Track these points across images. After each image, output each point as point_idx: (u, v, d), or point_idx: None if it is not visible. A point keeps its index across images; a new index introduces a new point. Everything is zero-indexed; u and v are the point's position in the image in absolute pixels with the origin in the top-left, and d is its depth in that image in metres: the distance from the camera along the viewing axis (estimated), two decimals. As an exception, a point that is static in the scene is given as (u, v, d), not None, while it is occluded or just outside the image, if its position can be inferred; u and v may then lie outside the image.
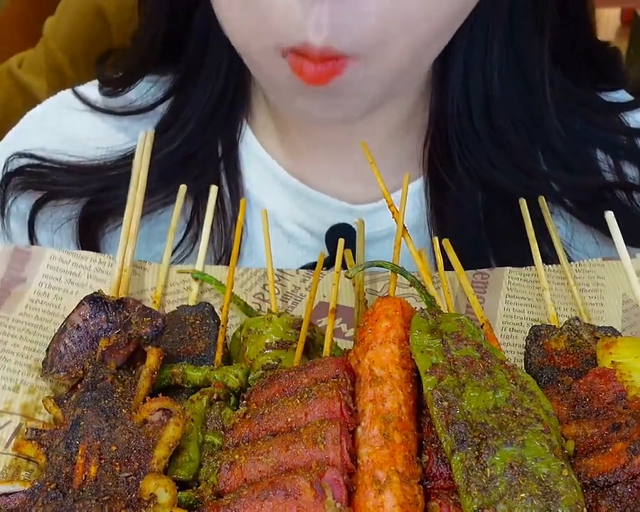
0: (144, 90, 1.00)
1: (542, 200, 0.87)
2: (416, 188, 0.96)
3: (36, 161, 0.96)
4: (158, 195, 0.93)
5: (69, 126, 1.01)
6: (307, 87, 0.74)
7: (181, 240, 0.94)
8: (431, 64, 0.86)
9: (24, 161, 0.96)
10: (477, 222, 0.95)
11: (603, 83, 1.01)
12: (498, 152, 0.93)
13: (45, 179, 0.96)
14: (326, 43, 0.69)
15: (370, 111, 0.83)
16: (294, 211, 0.98)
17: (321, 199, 0.96)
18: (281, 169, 0.97)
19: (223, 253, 0.94)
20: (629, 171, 0.99)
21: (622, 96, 1.02)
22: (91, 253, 0.84)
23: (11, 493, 0.58)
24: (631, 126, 1.00)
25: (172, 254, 0.88)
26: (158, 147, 0.91)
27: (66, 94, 1.04)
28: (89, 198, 0.95)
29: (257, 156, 0.98)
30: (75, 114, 1.01)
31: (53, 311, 0.78)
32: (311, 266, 0.93)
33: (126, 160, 0.95)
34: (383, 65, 0.75)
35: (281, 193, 0.97)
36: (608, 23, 2.86)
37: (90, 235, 0.96)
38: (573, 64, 0.97)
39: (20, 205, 0.97)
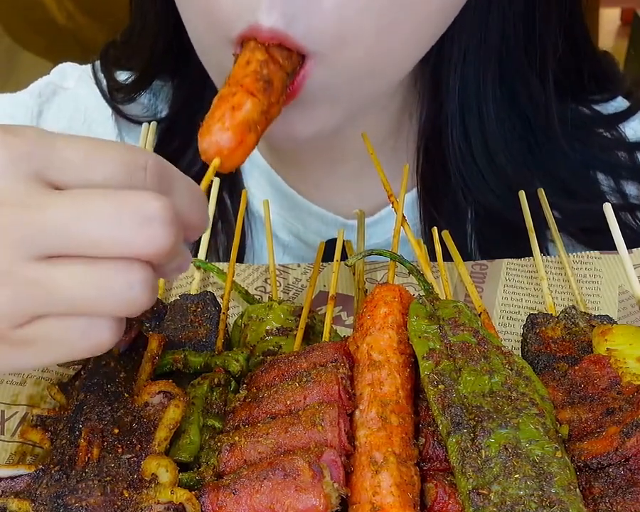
0: (148, 99, 1.00)
1: (541, 192, 0.88)
2: (408, 201, 0.96)
3: None
4: None
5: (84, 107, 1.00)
6: None
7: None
8: (400, 79, 0.82)
9: None
10: (470, 240, 0.95)
11: (600, 94, 1.00)
12: (500, 184, 0.93)
13: None
14: (276, 26, 0.65)
15: (340, 126, 0.79)
16: (290, 222, 0.98)
17: (317, 212, 0.97)
18: (279, 179, 0.97)
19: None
20: (632, 189, 0.98)
21: (619, 104, 1.02)
22: None
23: (16, 477, 0.59)
24: (629, 136, 1.00)
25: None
26: None
27: (87, 73, 1.01)
28: None
29: (256, 164, 0.98)
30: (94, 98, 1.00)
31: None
32: None
33: None
34: (343, 72, 0.71)
35: (280, 202, 0.98)
36: (608, 23, 2.87)
37: None
38: (578, 82, 0.97)
39: None
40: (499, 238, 0.94)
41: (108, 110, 0.99)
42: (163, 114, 0.99)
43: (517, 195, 0.88)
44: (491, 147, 0.92)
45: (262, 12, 0.66)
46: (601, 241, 0.87)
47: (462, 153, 0.92)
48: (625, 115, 1.00)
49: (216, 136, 0.58)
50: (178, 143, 0.96)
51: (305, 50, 0.68)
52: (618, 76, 1.03)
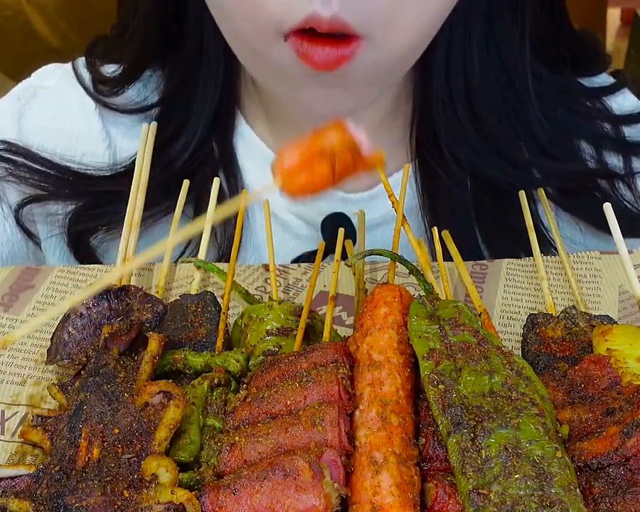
0: (137, 89, 0.99)
1: (541, 192, 0.88)
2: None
3: (21, 159, 0.95)
4: (159, 207, 0.93)
5: (66, 110, 1.00)
6: (315, 75, 0.73)
7: (186, 245, 0.94)
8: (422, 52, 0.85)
9: (7, 154, 0.95)
10: (467, 209, 0.96)
11: (584, 69, 1.02)
12: (481, 142, 0.94)
13: (29, 181, 0.95)
14: (336, 15, 0.68)
15: (374, 101, 0.83)
16: (289, 200, 0.98)
17: None
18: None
19: (226, 248, 0.95)
20: (615, 161, 1.00)
21: (604, 80, 1.03)
22: (98, 266, 0.86)
23: (16, 477, 0.59)
24: (614, 110, 1.01)
25: (179, 258, 0.90)
26: (158, 157, 0.90)
27: (69, 71, 1.01)
28: (76, 211, 0.95)
29: (251, 145, 0.98)
30: (75, 97, 0.99)
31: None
32: (307, 255, 0.94)
33: (115, 177, 0.95)
34: (394, 46, 0.75)
35: None
36: (608, 23, 2.88)
37: (82, 245, 0.96)
38: (554, 53, 0.98)
39: (9, 191, 0.97)
40: (494, 208, 0.95)
41: (91, 105, 0.99)
42: (154, 101, 0.98)
43: (502, 156, 0.91)
44: (475, 104, 0.94)
45: (320, 3, 0.68)
46: (582, 207, 0.90)
47: (446, 111, 0.94)
48: (610, 90, 1.02)
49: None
50: (171, 130, 0.96)
51: (359, 32, 0.71)
52: (600, 55, 1.04)
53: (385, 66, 0.77)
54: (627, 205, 0.97)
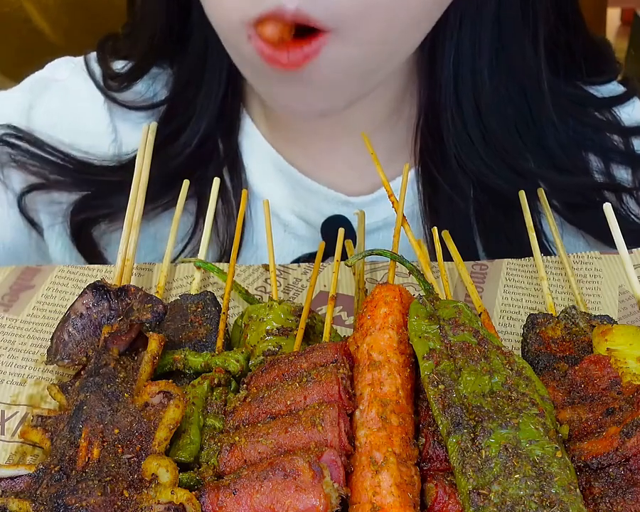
0: (147, 85, 1.00)
1: (541, 192, 0.88)
2: (408, 178, 0.97)
3: (25, 145, 0.96)
4: (160, 200, 0.94)
5: (74, 103, 1.00)
6: (282, 74, 0.74)
7: (188, 241, 0.95)
8: (410, 54, 0.85)
9: (12, 139, 0.96)
10: (469, 216, 0.96)
11: (595, 77, 1.02)
12: (490, 153, 0.94)
13: (32, 167, 0.96)
14: (300, 8, 0.68)
15: (352, 102, 0.82)
16: (291, 200, 0.99)
17: (318, 189, 0.97)
18: (280, 158, 0.98)
19: (228, 245, 0.95)
20: (624, 174, 0.99)
21: (614, 88, 1.03)
22: (98, 266, 0.86)
23: (16, 477, 0.59)
24: (624, 120, 1.01)
25: (180, 254, 0.92)
26: (162, 151, 0.91)
27: (80, 65, 1.02)
28: (78, 200, 0.96)
29: (257, 144, 0.99)
30: (85, 90, 1.00)
31: (60, 310, 0.79)
32: (307, 256, 0.94)
33: (119, 169, 0.96)
34: (359, 45, 0.74)
35: (280, 181, 0.98)
36: (608, 23, 2.88)
37: (84, 236, 0.97)
38: (569, 61, 0.98)
39: (13, 178, 0.98)
40: (497, 215, 0.95)
41: (100, 100, 1.00)
42: (162, 98, 1.00)
43: (510, 167, 0.91)
44: (483, 115, 0.93)
45: None
46: (588, 221, 0.90)
47: (454, 122, 0.94)
48: (620, 99, 1.02)
49: None
50: (174, 126, 0.97)
51: (323, 26, 0.70)
52: (613, 61, 1.04)
53: (356, 62, 0.76)
54: (635, 218, 0.96)
